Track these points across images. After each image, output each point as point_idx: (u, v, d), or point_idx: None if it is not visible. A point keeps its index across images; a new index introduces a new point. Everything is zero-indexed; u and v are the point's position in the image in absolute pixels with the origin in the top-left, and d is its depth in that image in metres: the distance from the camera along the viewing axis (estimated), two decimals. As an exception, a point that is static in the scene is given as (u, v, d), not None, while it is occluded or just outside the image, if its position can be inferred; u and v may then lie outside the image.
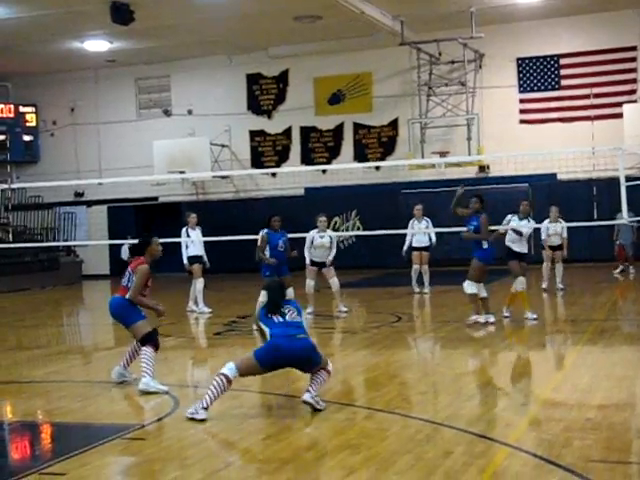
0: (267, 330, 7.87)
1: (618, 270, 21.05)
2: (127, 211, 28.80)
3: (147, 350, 9.26)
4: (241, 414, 7.96)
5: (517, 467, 6.00)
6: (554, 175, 24.30)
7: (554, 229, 17.88)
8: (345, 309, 15.41)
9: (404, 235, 18.32)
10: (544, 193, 24.34)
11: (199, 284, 16.47)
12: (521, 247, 13.92)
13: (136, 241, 10.06)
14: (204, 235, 16.99)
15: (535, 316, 13.48)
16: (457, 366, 10.50)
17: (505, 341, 11.84)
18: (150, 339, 9.32)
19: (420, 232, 18.24)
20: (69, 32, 24.23)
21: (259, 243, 14.35)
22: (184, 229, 16.57)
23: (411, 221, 18.59)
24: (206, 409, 7.68)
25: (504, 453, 6.35)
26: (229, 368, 7.81)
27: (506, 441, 6.62)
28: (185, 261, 16.48)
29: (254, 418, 7.90)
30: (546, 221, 17.98)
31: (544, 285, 18.10)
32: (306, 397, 7.88)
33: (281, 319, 7.93)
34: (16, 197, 30.00)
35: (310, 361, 7.91)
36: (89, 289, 26.51)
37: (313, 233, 15.25)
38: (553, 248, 18.06)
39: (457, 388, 8.94)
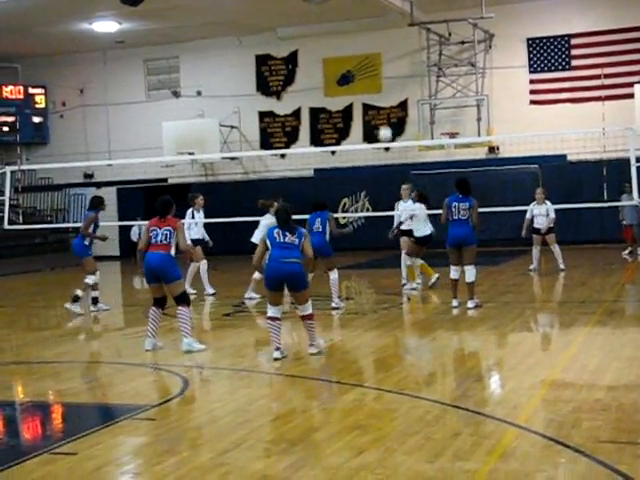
0: (269, 245, 9.47)
1: (627, 251, 20.98)
2: (136, 192, 28.80)
3: (184, 310, 10.14)
4: (250, 395, 7.99)
5: (526, 447, 6.01)
6: (564, 156, 24.18)
7: (539, 211, 17.83)
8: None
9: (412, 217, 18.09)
10: (554, 174, 24.28)
11: (203, 266, 16.44)
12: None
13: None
14: (213, 216, 16.96)
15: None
16: (466, 347, 10.52)
17: (514, 322, 11.83)
18: (186, 297, 10.30)
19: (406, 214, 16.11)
20: (78, 13, 24.15)
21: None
22: (190, 210, 16.56)
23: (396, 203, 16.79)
24: (279, 349, 9.43)
25: (513, 434, 6.36)
26: (267, 310, 9.57)
27: (515, 422, 6.62)
28: (189, 242, 16.47)
29: (263, 399, 7.93)
30: (532, 204, 17.96)
31: (531, 267, 18.00)
32: (311, 350, 9.60)
33: (282, 239, 9.41)
34: (26, 179, 30.06)
35: (297, 284, 9.44)
36: (100, 271, 26.48)
37: None
38: (540, 231, 17.92)
39: (466, 369, 8.95)
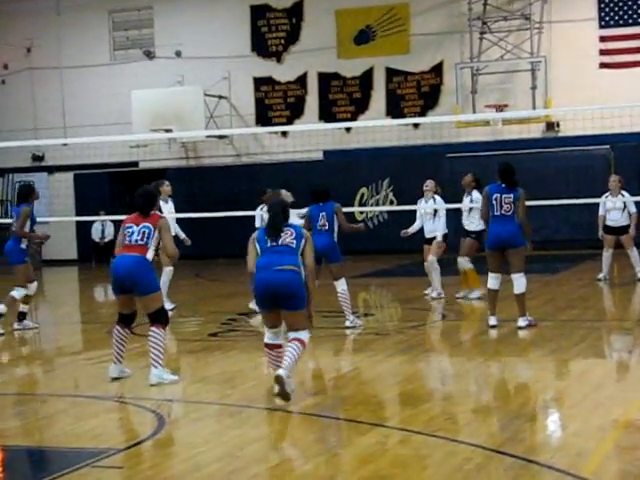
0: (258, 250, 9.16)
1: None
2: (99, 179, 28.90)
3: (157, 332, 10.02)
4: (243, 435, 7.99)
5: (593, 506, 6.01)
6: (643, 134, 24.18)
7: (613, 204, 17.69)
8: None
9: (448, 211, 17.96)
10: (629, 157, 24.24)
11: (165, 275, 16.30)
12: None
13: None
14: (195, 210, 17.03)
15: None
16: (516, 377, 10.50)
17: (579, 345, 11.80)
18: (162, 314, 10.16)
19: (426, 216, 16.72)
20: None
21: (304, 224, 14.24)
22: None
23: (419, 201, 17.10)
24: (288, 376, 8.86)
25: (576, 488, 6.35)
26: (265, 335, 9.44)
27: (580, 474, 6.61)
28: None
29: (259, 441, 7.93)
30: (604, 195, 17.85)
31: (600, 275, 17.91)
32: (280, 372, 8.78)
33: (273, 243, 9.09)
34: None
35: (292, 298, 8.98)
36: (51, 278, 26.61)
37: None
38: (615, 230, 17.86)
39: (516, 405, 8.93)
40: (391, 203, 26.43)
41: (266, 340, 9.41)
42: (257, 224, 17.64)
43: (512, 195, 12.83)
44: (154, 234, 10.13)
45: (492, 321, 13.09)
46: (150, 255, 10.16)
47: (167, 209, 16.70)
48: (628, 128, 22.85)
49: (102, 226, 28.37)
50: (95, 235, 28.57)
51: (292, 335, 9.10)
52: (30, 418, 9.24)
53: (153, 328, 10.07)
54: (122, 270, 10.09)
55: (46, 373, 11.97)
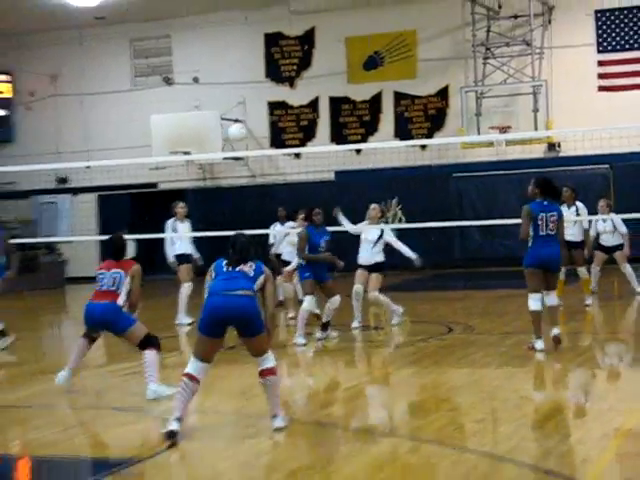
0: (208, 286, 8.40)
1: None
2: (120, 200, 28.96)
3: (150, 354, 9.96)
4: (257, 446, 7.97)
5: (596, 511, 5.97)
6: (640, 154, 24.14)
7: (603, 227, 17.58)
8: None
9: (455, 229, 18.02)
10: (628, 176, 24.18)
11: (184, 289, 16.46)
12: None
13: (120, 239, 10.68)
14: (213, 228, 17.03)
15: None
16: (521, 388, 10.45)
17: (581, 357, 11.76)
18: (151, 341, 10.05)
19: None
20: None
21: (298, 242, 14.34)
22: (170, 221, 16.69)
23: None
24: (179, 420, 8.04)
25: (580, 494, 6.32)
26: (188, 364, 8.33)
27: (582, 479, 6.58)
28: (171, 259, 16.55)
29: (273, 452, 7.91)
30: (595, 217, 17.67)
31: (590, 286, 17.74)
32: (278, 423, 8.28)
33: (230, 269, 8.36)
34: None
35: (248, 324, 8.22)
36: (74, 295, 26.64)
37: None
38: (608, 250, 17.71)
39: (521, 414, 8.90)
40: (400, 221, 26.39)
41: (190, 371, 8.27)
42: (270, 240, 18.37)
43: (556, 213, 12.02)
44: (125, 280, 10.08)
45: (539, 345, 12.03)
46: (121, 300, 10.08)
47: (182, 229, 16.72)
48: (626, 148, 22.75)
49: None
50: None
51: (260, 365, 8.44)
52: (57, 428, 9.25)
53: (146, 352, 10.03)
54: (92, 319, 10.22)
55: (72, 385, 11.96)
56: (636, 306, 17.10)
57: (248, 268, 8.36)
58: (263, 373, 8.41)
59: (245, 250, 8.45)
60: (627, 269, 17.77)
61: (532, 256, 11.96)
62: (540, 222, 11.87)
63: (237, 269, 8.35)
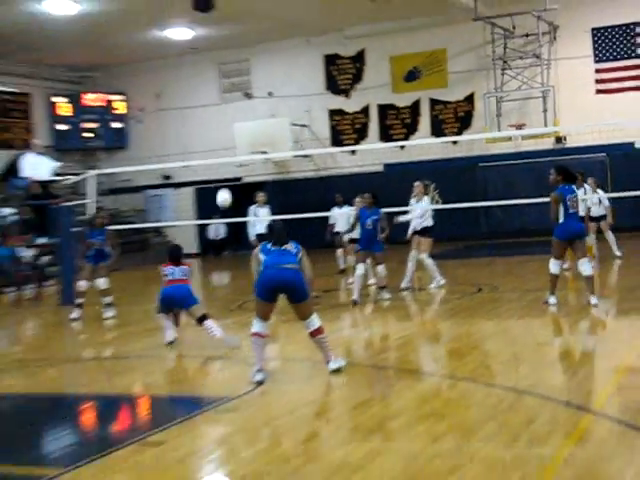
0: (262, 259, 8.38)
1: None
2: (212, 192, 28.93)
3: (210, 322, 10.46)
4: (328, 385, 8.00)
5: (602, 433, 5.90)
6: (631, 144, 23.71)
7: (591, 200, 17.27)
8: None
9: (480, 208, 17.82)
10: (621, 162, 23.80)
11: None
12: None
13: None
14: (286, 213, 17.05)
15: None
16: (538, 335, 10.36)
17: (586, 309, 11.62)
18: (205, 315, 10.56)
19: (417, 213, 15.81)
20: (153, 22, 24.54)
21: (352, 220, 14.86)
22: (252, 207, 16.75)
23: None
24: (260, 370, 8.13)
25: (588, 420, 6.25)
26: (253, 325, 8.34)
27: (590, 408, 6.50)
28: (253, 238, 16.54)
29: (341, 389, 7.93)
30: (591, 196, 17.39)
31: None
32: (332, 366, 8.31)
33: (276, 248, 8.38)
34: (108, 182, 30.55)
35: (296, 291, 8.21)
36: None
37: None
38: (596, 219, 17.27)
39: (539, 357, 8.83)
40: (437, 202, 26.15)
41: (257, 330, 8.29)
42: (330, 222, 18.41)
43: (575, 194, 11.88)
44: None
45: (552, 300, 11.94)
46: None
47: (262, 213, 16.71)
48: (620, 139, 22.50)
49: (215, 227, 28.88)
50: (211, 234, 29.03)
51: (307, 327, 8.40)
52: (165, 373, 9.35)
53: (206, 322, 10.45)
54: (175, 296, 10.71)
55: (181, 338, 12.07)
56: (616, 267, 16.85)
57: (290, 247, 8.40)
58: (313, 334, 8.41)
59: (283, 234, 8.49)
60: (609, 236, 17.63)
61: (564, 230, 11.74)
62: (569, 202, 11.70)
63: (282, 248, 8.37)
